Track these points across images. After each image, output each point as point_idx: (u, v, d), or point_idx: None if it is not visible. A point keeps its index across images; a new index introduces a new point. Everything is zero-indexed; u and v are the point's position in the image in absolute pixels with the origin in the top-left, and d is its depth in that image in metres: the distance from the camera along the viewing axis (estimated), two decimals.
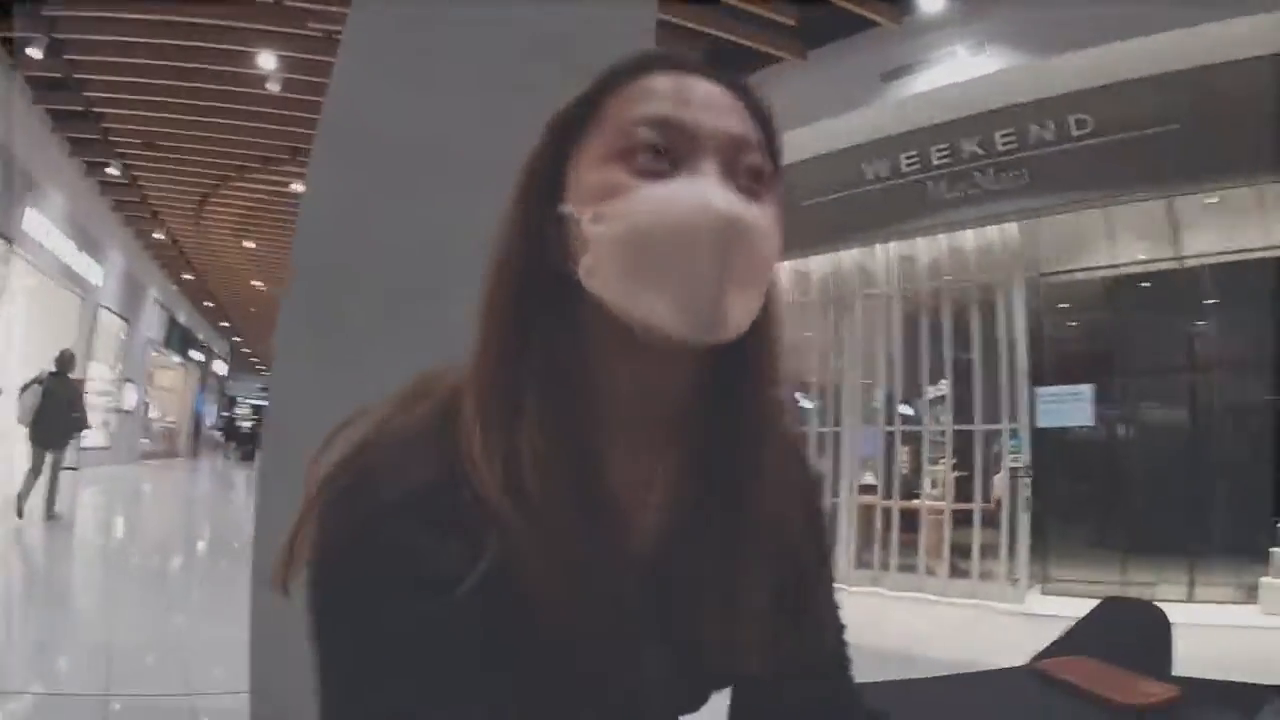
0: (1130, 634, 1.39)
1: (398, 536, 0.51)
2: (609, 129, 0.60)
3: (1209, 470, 5.78)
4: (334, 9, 5.22)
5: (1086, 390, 5.93)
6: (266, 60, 7.34)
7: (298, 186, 9.94)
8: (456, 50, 1.83)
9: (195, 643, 3.81)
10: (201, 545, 8.00)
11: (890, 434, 7.06)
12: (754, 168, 0.60)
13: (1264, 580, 5.14)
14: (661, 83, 0.61)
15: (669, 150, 0.58)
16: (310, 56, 6.89)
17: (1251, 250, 5.70)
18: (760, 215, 0.58)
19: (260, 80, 7.63)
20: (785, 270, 6.83)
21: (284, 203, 11.04)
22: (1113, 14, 5.27)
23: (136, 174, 10.91)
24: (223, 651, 3.25)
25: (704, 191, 0.56)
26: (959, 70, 5.79)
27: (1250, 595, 5.26)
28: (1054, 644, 1.40)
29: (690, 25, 5.83)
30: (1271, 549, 5.10)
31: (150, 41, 7.03)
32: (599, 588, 0.55)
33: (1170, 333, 6.16)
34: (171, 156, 9.98)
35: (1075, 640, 1.41)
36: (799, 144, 6.40)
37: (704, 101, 0.60)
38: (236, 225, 12.83)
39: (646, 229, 0.55)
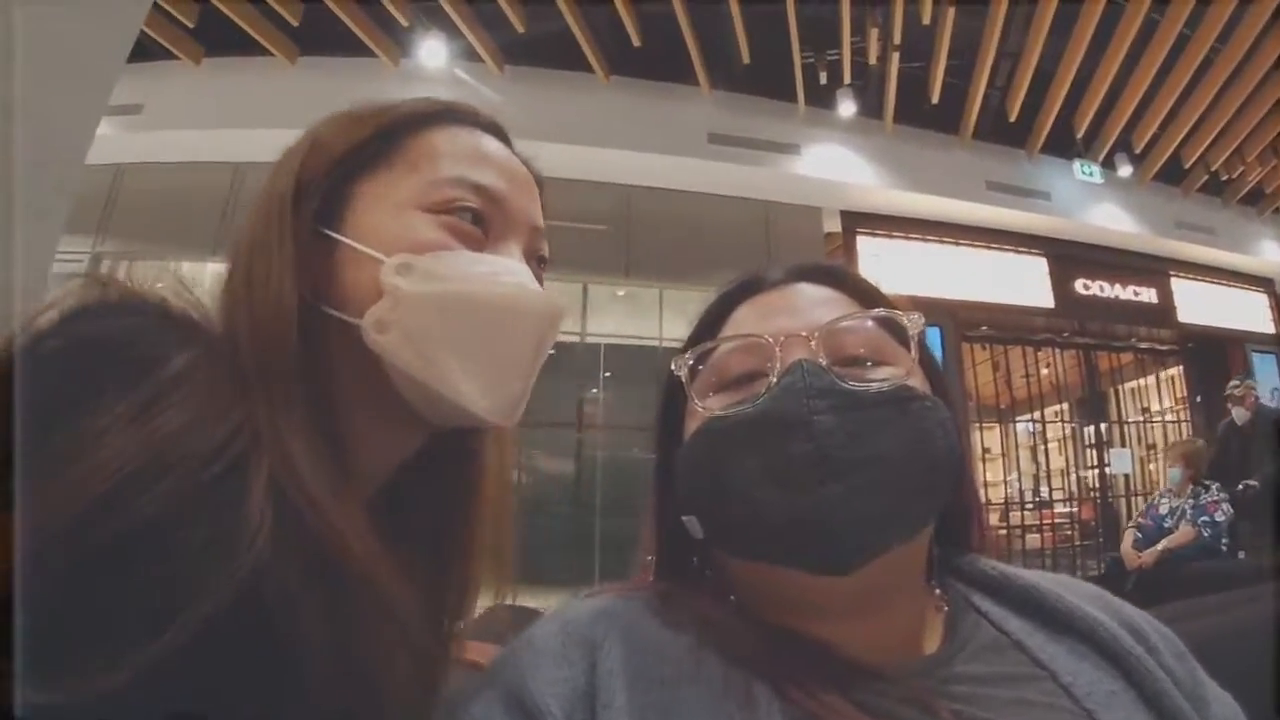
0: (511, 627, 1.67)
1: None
2: (416, 176, 0.55)
3: (590, 513, 6.93)
4: None
5: None
6: None
7: None
8: None
9: None
10: None
11: None
12: (542, 257, 0.61)
13: None
14: (466, 137, 0.59)
15: (482, 219, 0.56)
16: None
17: (645, 338, 7.09)
18: None
19: None
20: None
21: None
22: (588, 124, 6.17)
23: None
24: None
25: (524, 278, 0.55)
26: None
27: None
28: None
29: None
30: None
31: None
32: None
33: (566, 396, 7.18)
34: None
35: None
36: (256, 144, 5.39)
37: (512, 174, 0.59)
38: None
39: (469, 300, 0.52)
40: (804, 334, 0.56)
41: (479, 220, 0.56)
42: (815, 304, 0.61)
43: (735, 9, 5.71)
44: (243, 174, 5.89)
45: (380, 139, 0.57)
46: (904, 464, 0.52)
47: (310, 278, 0.53)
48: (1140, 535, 4.40)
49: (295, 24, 5.87)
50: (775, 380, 0.55)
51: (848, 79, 6.50)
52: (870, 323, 0.59)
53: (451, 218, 0.54)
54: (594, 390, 7.18)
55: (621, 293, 7.14)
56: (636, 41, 6.08)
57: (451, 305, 0.51)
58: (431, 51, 6.03)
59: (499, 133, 0.63)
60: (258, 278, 0.52)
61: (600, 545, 6.88)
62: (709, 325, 0.65)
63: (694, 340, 0.64)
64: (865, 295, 0.63)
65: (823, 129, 6.62)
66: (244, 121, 5.70)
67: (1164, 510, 4.41)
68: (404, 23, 5.91)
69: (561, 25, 5.89)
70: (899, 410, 0.54)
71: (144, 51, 5.96)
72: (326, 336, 0.52)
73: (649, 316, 7.00)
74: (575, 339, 6.95)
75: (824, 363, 0.55)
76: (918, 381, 0.58)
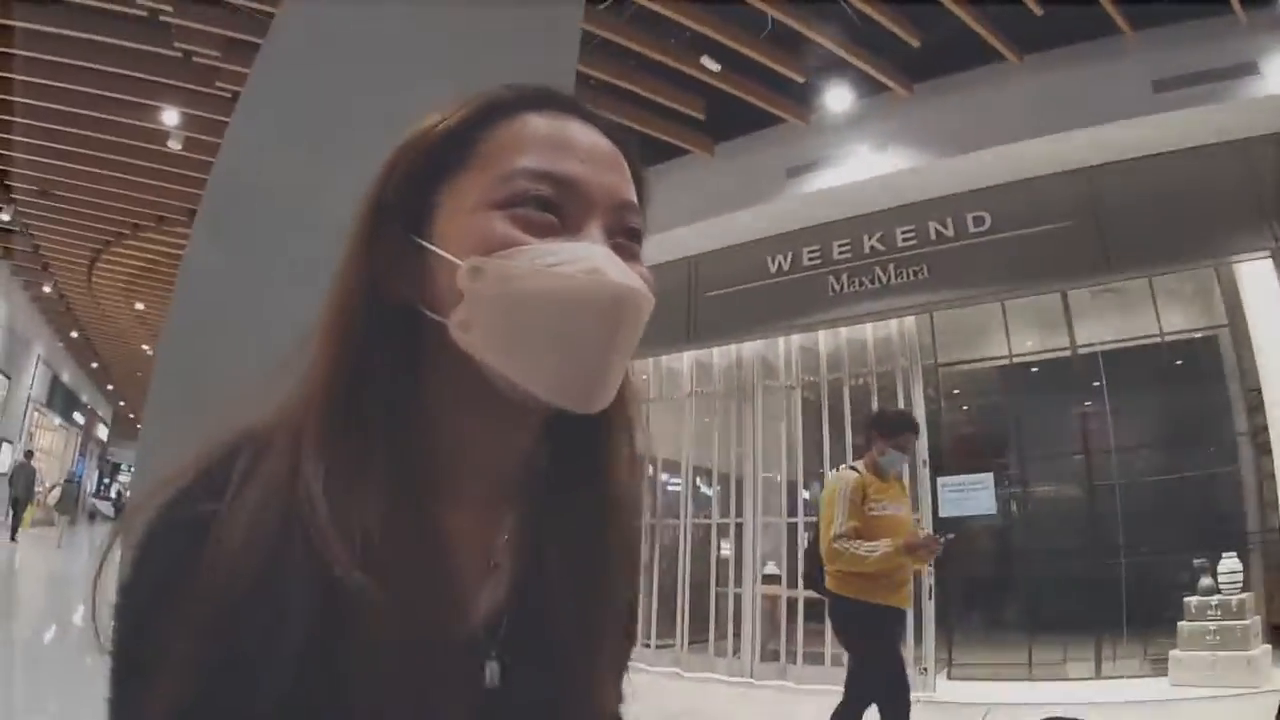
0: None
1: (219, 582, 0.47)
2: (489, 173, 0.56)
3: (1107, 548, 5.94)
4: (243, 70, 5.15)
5: (988, 479, 5.98)
6: (170, 116, 7.07)
7: None
8: (359, 119, 1.61)
9: None
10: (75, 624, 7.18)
11: (793, 524, 6.79)
12: (633, 229, 0.59)
13: (1173, 654, 5.17)
14: (544, 125, 0.58)
15: (556, 205, 0.55)
16: (216, 116, 6.72)
17: (1142, 338, 6.11)
18: (644, 282, 0.56)
19: (163, 136, 7.41)
20: (687, 361, 7.25)
21: (177, 265, 10.56)
22: (1007, 117, 5.66)
23: (28, 221, 10.24)
24: None
25: (597, 261, 0.53)
26: (862, 168, 6.00)
27: (1158, 668, 5.31)
28: None
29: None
30: (1179, 622, 5.18)
31: (54, 85, 6.66)
32: (431, 667, 0.50)
33: (1061, 416, 6.40)
34: (67, 207, 9.49)
35: None
36: (704, 236, 6.58)
37: (591, 154, 0.58)
38: (127, 285, 12.23)
39: (536, 296, 0.52)
40: None
41: (552, 207, 0.54)
42: None
43: None
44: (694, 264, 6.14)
45: (454, 141, 0.57)
46: None
47: (412, 282, 0.55)
48: None
49: (701, 118, 6.12)
50: None
51: None
52: None
53: (522, 210, 0.54)
54: (1089, 404, 6.23)
55: (1105, 290, 6.22)
56: (1037, 10, 5.52)
57: (521, 303, 0.52)
58: (837, 97, 5.92)
59: (579, 111, 0.61)
60: (337, 279, 0.57)
61: (1129, 581, 5.80)
62: None
63: None
64: None
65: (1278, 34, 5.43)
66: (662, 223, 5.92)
67: None
68: (800, 80, 5.92)
69: (955, 21, 5.53)
70: None
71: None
72: (429, 337, 0.55)
73: (1142, 312, 6.04)
74: (1065, 353, 6.14)
75: None
76: None
